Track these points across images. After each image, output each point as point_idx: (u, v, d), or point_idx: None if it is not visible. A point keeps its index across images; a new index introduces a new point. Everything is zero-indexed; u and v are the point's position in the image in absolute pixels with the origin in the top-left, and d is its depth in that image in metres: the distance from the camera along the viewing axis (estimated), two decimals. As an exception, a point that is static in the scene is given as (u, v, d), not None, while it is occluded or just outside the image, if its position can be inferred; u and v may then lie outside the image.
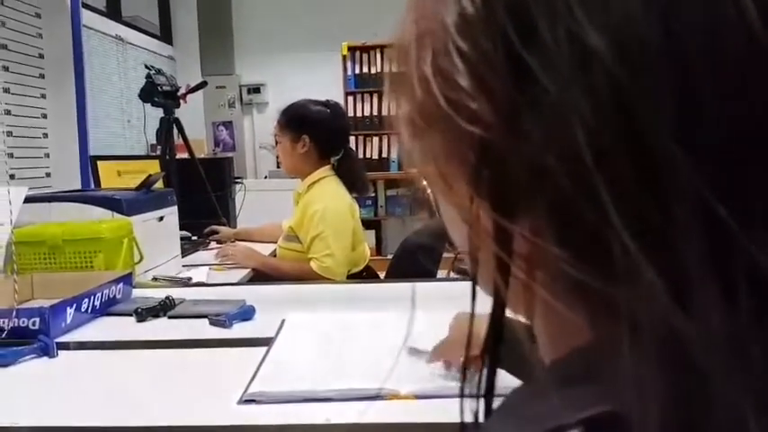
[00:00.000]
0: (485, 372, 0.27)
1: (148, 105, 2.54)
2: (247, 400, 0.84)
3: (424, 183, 0.31)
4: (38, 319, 1.10)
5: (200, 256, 2.14)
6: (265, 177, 4.84)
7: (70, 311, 1.19)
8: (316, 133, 1.96)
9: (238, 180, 2.81)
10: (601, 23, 0.21)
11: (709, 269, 0.20)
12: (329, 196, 1.93)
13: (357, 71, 4.68)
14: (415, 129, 0.28)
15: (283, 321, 1.15)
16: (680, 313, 0.20)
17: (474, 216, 0.25)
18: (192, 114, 4.20)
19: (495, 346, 0.26)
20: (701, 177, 0.20)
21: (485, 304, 0.27)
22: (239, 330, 1.16)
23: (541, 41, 0.22)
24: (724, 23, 0.20)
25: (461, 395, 0.28)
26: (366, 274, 2.07)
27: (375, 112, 4.62)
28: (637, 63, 0.20)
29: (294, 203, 2.06)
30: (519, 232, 0.23)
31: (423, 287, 1.40)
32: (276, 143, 2.07)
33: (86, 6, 3.42)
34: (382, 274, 2.16)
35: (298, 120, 1.99)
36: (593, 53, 0.21)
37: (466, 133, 0.24)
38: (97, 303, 1.27)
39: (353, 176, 2.02)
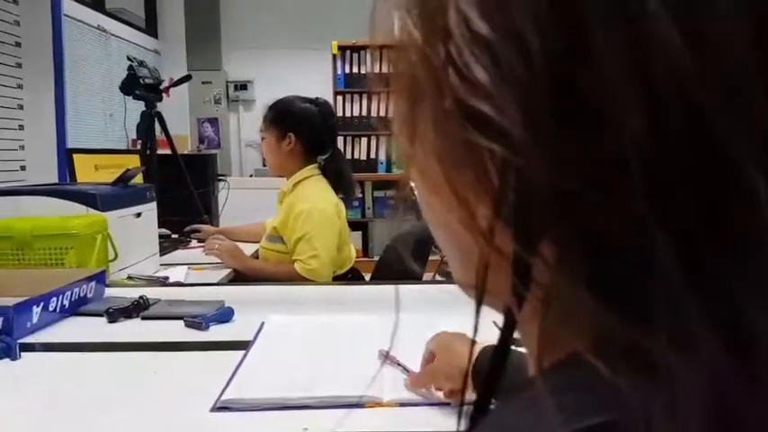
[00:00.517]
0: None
1: (131, 99, 2.48)
2: (221, 408, 0.79)
3: (414, 188, 0.27)
4: (0, 319, 1.04)
5: (180, 254, 2.08)
6: (251, 176, 4.78)
7: (37, 310, 1.13)
8: (302, 131, 1.92)
9: (222, 178, 2.75)
10: (682, 21, 0.16)
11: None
12: (315, 197, 1.88)
13: (347, 71, 4.64)
14: (419, 132, 0.24)
15: (263, 324, 1.10)
16: (741, 392, 0.16)
17: (488, 234, 0.21)
18: (177, 110, 4.14)
19: (500, 363, 0.23)
20: None
21: (465, 324, 0.24)
22: (216, 333, 1.11)
23: (591, 39, 0.17)
24: None
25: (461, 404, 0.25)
26: (351, 276, 2.02)
27: (364, 113, 4.58)
28: (727, 83, 0.16)
29: (278, 202, 2.01)
30: (542, 262, 0.20)
31: (408, 289, 1.36)
32: (261, 139, 2.01)
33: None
34: (368, 277, 2.12)
35: (284, 116, 1.94)
36: (663, 61, 0.16)
37: (486, 148, 0.20)
38: (66, 302, 1.21)
39: (340, 177, 1.97)
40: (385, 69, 0.25)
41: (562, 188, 0.18)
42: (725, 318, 0.17)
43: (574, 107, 0.18)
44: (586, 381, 0.19)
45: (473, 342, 0.24)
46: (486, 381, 0.24)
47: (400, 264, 1.97)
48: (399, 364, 0.86)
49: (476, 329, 0.24)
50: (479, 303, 0.23)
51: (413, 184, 0.27)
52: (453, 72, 0.20)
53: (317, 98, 2.02)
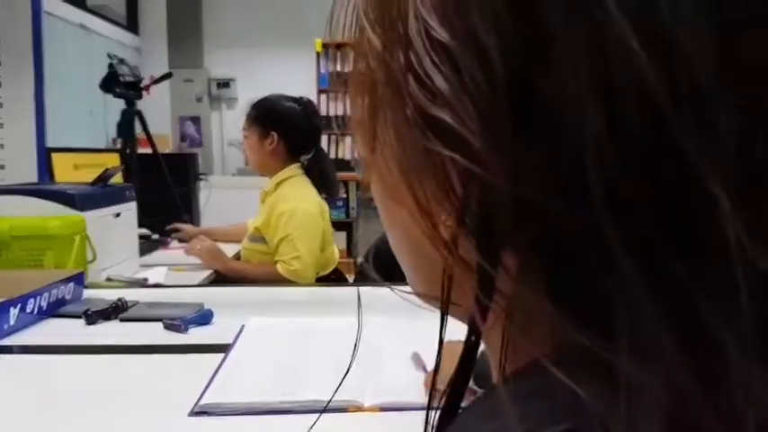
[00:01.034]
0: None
1: (111, 97, 2.45)
2: (199, 412, 0.78)
3: (373, 193, 0.27)
4: (-24, 321, 1.02)
5: (160, 255, 2.06)
6: (233, 175, 4.75)
7: (14, 312, 1.12)
8: (285, 130, 1.90)
9: (202, 177, 2.73)
10: (642, 27, 0.16)
11: (752, 343, 0.17)
12: (298, 197, 1.88)
13: (331, 69, 4.62)
14: (379, 139, 0.24)
15: (243, 327, 1.09)
16: (701, 402, 0.17)
17: (452, 244, 0.21)
18: (158, 108, 4.09)
19: (466, 372, 0.23)
20: (742, 226, 0.16)
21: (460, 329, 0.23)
22: (195, 335, 1.10)
23: (550, 45, 0.17)
24: None
25: (428, 408, 0.25)
26: (335, 277, 2.01)
27: (348, 112, 4.58)
28: (689, 92, 0.16)
29: (260, 202, 1.99)
30: (504, 272, 0.20)
31: (389, 292, 1.35)
32: (244, 138, 2.00)
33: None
34: (352, 278, 2.12)
35: (267, 115, 1.93)
36: (624, 69, 0.16)
37: (448, 157, 0.19)
38: (44, 304, 1.20)
39: (324, 177, 1.96)
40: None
41: (522, 197, 0.18)
42: (685, 327, 0.17)
43: (533, 115, 0.18)
44: (547, 389, 0.19)
45: (440, 349, 0.25)
46: (452, 388, 0.24)
47: (385, 264, 1.97)
48: (425, 369, 0.87)
49: (441, 341, 0.24)
50: (444, 314, 0.23)
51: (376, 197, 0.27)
52: (413, 80, 0.20)
53: (300, 97, 2.01)
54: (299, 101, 1.98)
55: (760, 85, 0.17)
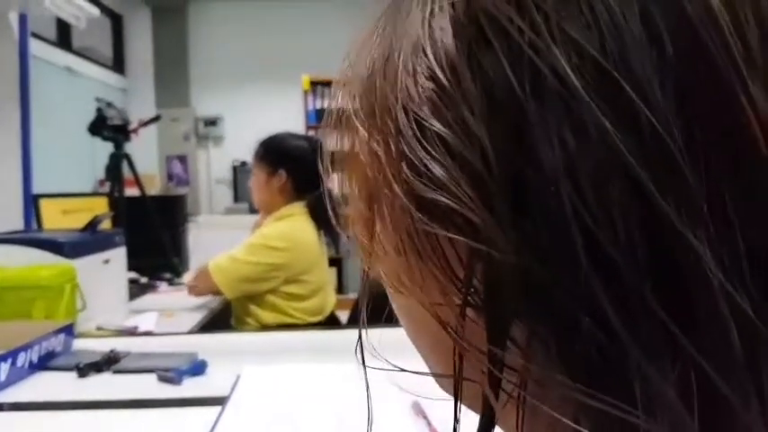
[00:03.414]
0: None
1: (98, 140, 2.45)
2: (198, 471, 0.77)
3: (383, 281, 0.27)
4: (-35, 379, 1.00)
5: (149, 300, 2.04)
6: (222, 214, 4.73)
7: (5, 367, 1.09)
8: (294, 168, 1.86)
9: (191, 219, 2.72)
10: (612, 108, 0.18)
11: (747, 386, 0.18)
12: (295, 240, 1.83)
13: (318, 106, 4.66)
14: (377, 229, 0.25)
15: (238, 377, 1.08)
16: None
17: (459, 325, 0.21)
18: (145, 148, 4.09)
19: None
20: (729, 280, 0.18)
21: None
22: (190, 387, 1.09)
23: (528, 134, 0.19)
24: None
25: None
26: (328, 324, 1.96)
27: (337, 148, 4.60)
28: (661, 159, 0.18)
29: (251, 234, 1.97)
30: (514, 346, 0.20)
31: (389, 334, 1.35)
32: (252, 175, 1.97)
33: (35, 36, 3.31)
34: (342, 313, 2.08)
35: (276, 153, 1.90)
36: (599, 147, 0.18)
37: (447, 238, 0.21)
38: (35, 357, 1.18)
39: (329, 217, 1.93)
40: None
41: (526, 268, 0.19)
42: (687, 382, 0.18)
43: (525, 197, 0.19)
44: None
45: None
46: None
47: (380, 304, 1.94)
48: (425, 418, 0.86)
49: (456, 420, 0.24)
50: (457, 397, 0.23)
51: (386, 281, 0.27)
52: (407, 168, 0.21)
53: (310, 136, 2.00)
54: (307, 139, 1.97)
55: (720, 148, 0.18)
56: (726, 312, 0.18)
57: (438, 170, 0.20)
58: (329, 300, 1.98)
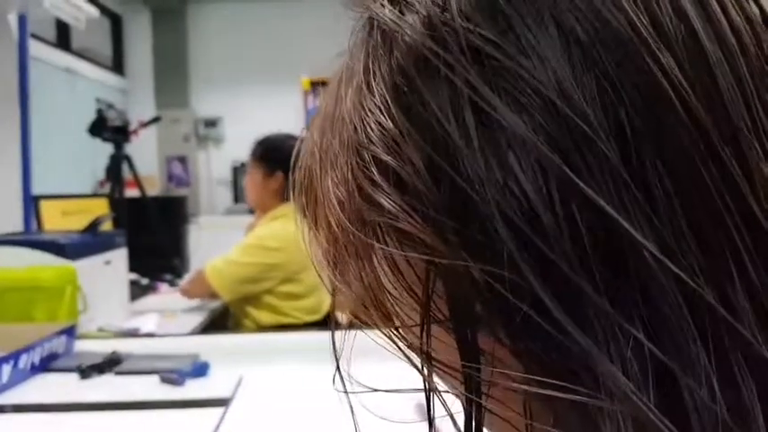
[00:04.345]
0: None
1: (98, 140, 2.45)
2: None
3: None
4: (-32, 381, 1.00)
5: (150, 301, 2.04)
6: (222, 214, 4.73)
7: (7, 369, 1.09)
8: (291, 169, 1.87)
9: (192, 220, 2.72)
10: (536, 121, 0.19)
11: (698, 356, 0.19)
12: (289, 239, 1.82)
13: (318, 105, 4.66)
14: (335, 256, 0.26)
15: (241, 379, 1.08)
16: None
17: (426, 339, 0.23)
18: (145, 148, 4.09)
19: None
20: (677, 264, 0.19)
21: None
22: (193, 388, 1.09)
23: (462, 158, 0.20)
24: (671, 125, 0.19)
25: None
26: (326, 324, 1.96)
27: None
28: (593, 163, 0.19)
29: (245, 235, 1.97)
30: (483, 353, 0.21)
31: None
32: (248, 174, 1.97)
33: (35, 37, 3.31)
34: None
35: (273, 154, 1.89)
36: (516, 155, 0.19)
37: (406, 259, 0.22)
38: (37, 359, 1.18)
39: None
40: None
41: (475, 274, 0.20)
42: (643, 366, 0.18)
43: (460, 206, 0.20)
44: None
45: None
46: None
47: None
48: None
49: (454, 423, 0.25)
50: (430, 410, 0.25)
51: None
52: (363, 201, 0.22)
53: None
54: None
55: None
56: (666, 285, 0.18)
57: (388, 202, 0.21)
58: (325, 298, 1.99)
